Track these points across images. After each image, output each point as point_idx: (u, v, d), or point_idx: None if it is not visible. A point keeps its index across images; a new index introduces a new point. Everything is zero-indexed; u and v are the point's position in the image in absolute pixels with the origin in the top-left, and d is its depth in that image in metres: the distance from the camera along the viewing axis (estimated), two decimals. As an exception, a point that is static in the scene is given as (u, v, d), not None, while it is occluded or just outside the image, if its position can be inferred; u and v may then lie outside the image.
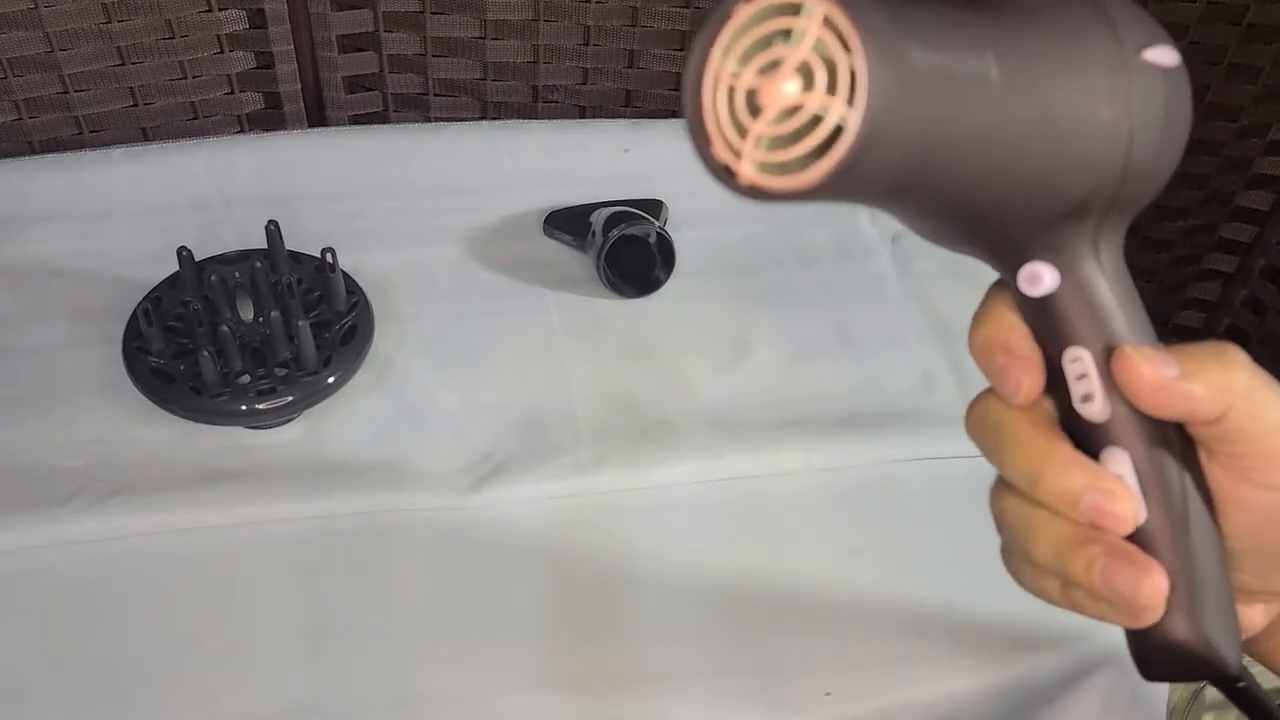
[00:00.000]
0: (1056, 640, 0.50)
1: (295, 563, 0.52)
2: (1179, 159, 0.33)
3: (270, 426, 0.57)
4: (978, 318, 0.34)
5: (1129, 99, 0.30)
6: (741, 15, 0.25)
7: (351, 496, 0.54)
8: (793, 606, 0.51)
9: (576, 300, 0.66)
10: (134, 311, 0.57)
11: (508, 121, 0.81)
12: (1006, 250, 0.33)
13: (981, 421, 0.34)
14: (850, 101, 0.24)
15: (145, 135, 0.78)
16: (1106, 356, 0.32)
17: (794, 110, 0.25)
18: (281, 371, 0.56)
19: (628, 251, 0.65)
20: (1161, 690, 0.54)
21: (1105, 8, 0.31)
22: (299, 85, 0.79)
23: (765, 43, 0.25)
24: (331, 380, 0.56)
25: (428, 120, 0.83)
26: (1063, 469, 0.31)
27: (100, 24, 0.73)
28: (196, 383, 0.54)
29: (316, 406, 0.57)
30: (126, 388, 0.56)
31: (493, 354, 0.62)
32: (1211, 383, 0.30)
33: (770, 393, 0.61)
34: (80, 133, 0.77)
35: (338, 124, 0.82)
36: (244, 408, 0.54)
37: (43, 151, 0.75)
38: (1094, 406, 0.32)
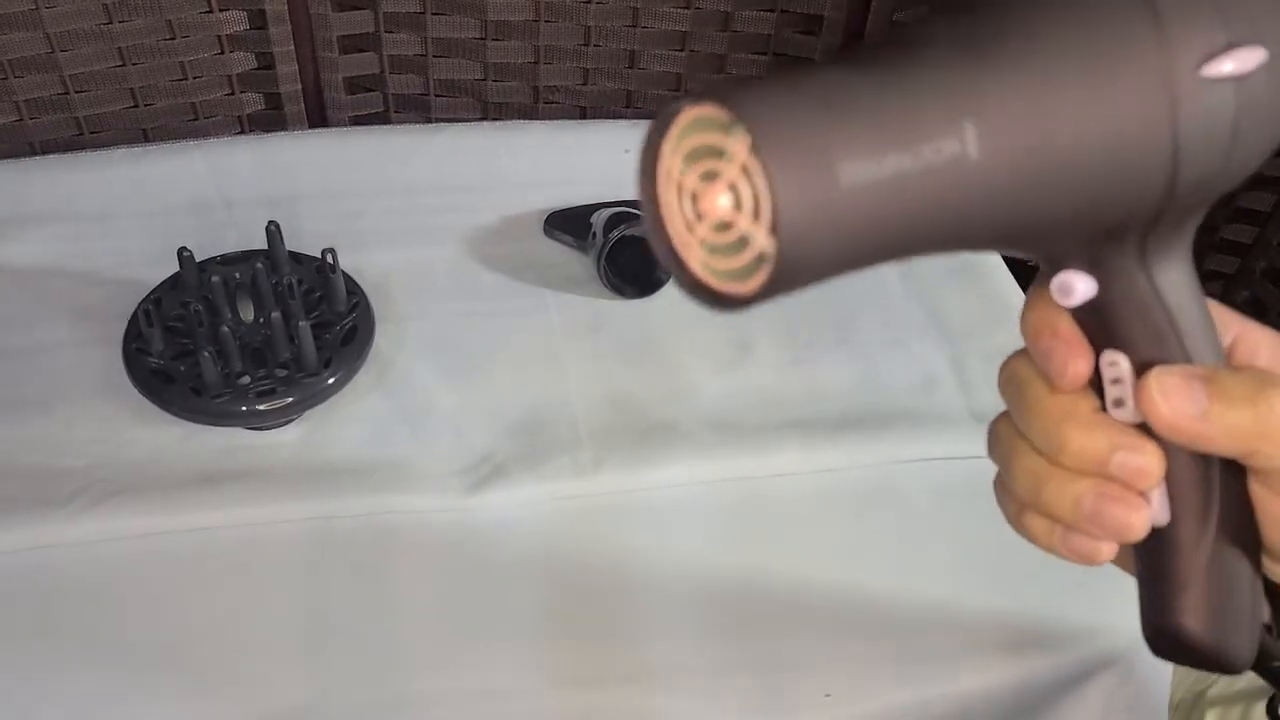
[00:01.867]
0: (1058, 641, 0.50)
1: (295, 563, 0.52)
2: (1265, 155, 0.30)
3: (271, 427, 0.57)
4: (1028, 301, 0.33)
5: (1173, 121, 0.28)
6: (685, 119, 0.25)
7: (352, 497, 0.54)
8: (793, 607, 0.51)
9: (577, 301, 0.66)
10: (135, 312, 0.57)
11: (508, 122, 0.81)
12: (1038, 257, 0.32)
13: (1012, 379, 0.33)
14: (771, 232, 0.24)
15: (146, 136, 0.78)
16: (1143, 367, 0.31)
17: (726, 228, 0.24)
18: (282, 372, 0.56)
19: (628, 252, 0.65)
20: (1163, 692, 0.54)
21: (1157, 6, 0.27)
22: (299, 86, 0.79)
23: (709, 149, 0.25)
24: (332, 381, 0.56)
25: (428, 121, 0.83)
26: (1088, 431, 0.31)
27: (101, 25, 0.73)
28: (197, 384, 0.54)
29: (317, 407, 0.57)
30: (127, 388, 0.56)
31: (493, 355, 0.62)
32: (1235, 426, 0.29)
33: (770, 393, 0.61)
34: (81, 134, 0.77)
35: (338, 125, 0.82)
36: (244, 409, 0.54)
37: (44, 152, 0.75)
38: (1125, 412, 0.31)
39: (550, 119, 0.83)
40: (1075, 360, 0.32)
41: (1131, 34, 0.26)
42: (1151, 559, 0.33)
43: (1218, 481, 0.32)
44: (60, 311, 0.62)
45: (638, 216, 0.66)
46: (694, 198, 0.25)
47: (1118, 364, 0.31)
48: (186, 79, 0.77)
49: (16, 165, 0.72)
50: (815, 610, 0.51)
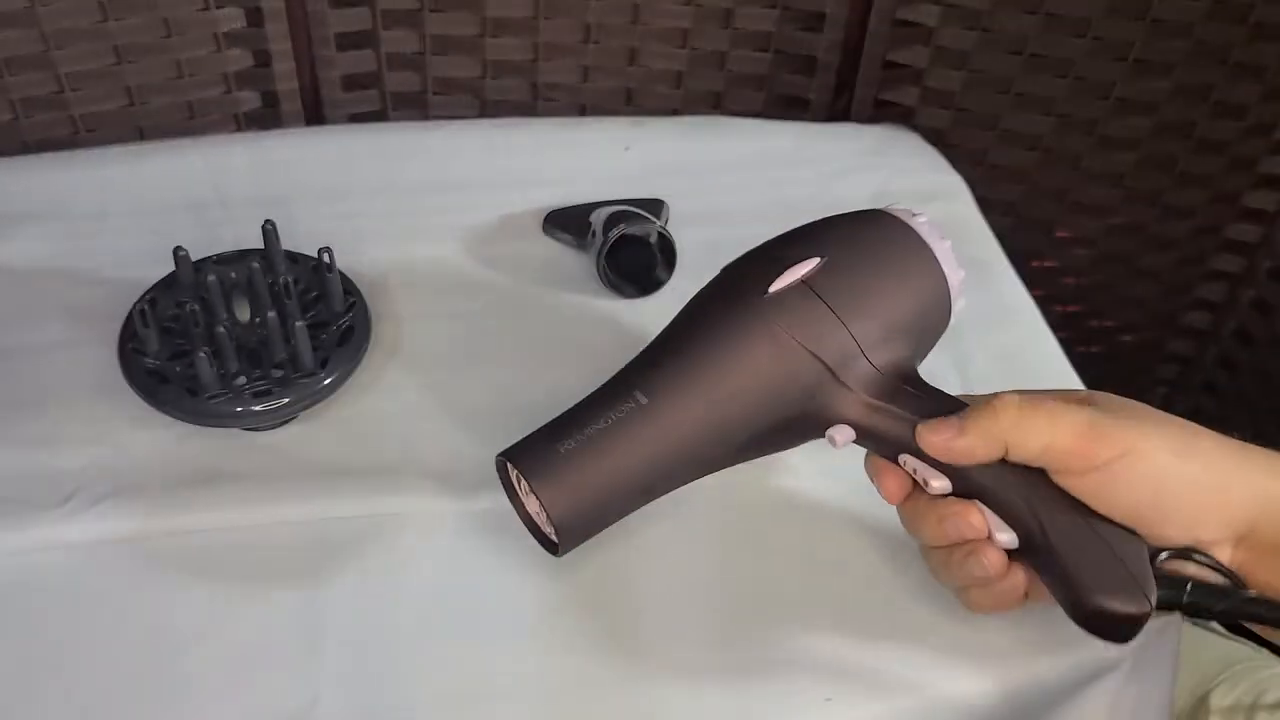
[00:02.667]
0: (1060, 644, 0.50)
1: (292, 565, 0.51)
2: (896, 302, 0.47)
3: (267, 428, 0.56)
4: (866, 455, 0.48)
5: (778, 332, 0.45)
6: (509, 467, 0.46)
7: (349, 498, 0.54)
8: (793, 611, 0.51)
9: (576, 300, 0.66)
10: (130, 312, 0.57)
11: (507, 120, 0.81)
12: (803, 438, 0.48)
13: (899, 515, 0.47)
14: (549, 517, 0.45)
15: (141, 134, 0.78)
16: (918, 454, 0.44)
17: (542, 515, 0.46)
18: (278, 373, 0.55)
19: (628, 251, 0.64)
20: (1166, 695, 0.54)
21: (725, 284, 0.49)
22: (296, 84, 0.79)
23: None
24: (329, 381, 0.56)
25: (426, 119, 0.83)
26: (926, 515, 0.45)
27: (96, 23, 0.72)
28: (193, 384, 0.54)
29: (314, 408, 0.56)
30: (122, 389, 0.55)
31: (491, 354, 0.62)
32: (983, 432, 0.42)
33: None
34: (76, 132, 0.76)
35: (335, 123, 0.82)
36: (240, 409, 0.54)
37: (38, 151, 0.74)
38: (935, 485, 0.44)
39: (549, 116, 0.83)
40: (888, 480, 0.46)
41: (727, 305, 0.47)
42: (1039, 571, 0.43)
43: (1040, 500, 0.42)
44: (55, 311, 0.62)
45: (638, 215, 0.65)
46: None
47: (907, 460, 0.45)
48: (182, 77, 0.76)
49: (11, 164, 0.72)
50: (816, 614, 0.51)
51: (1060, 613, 0.50)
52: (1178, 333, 1.00)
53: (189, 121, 0.79)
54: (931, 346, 0.50)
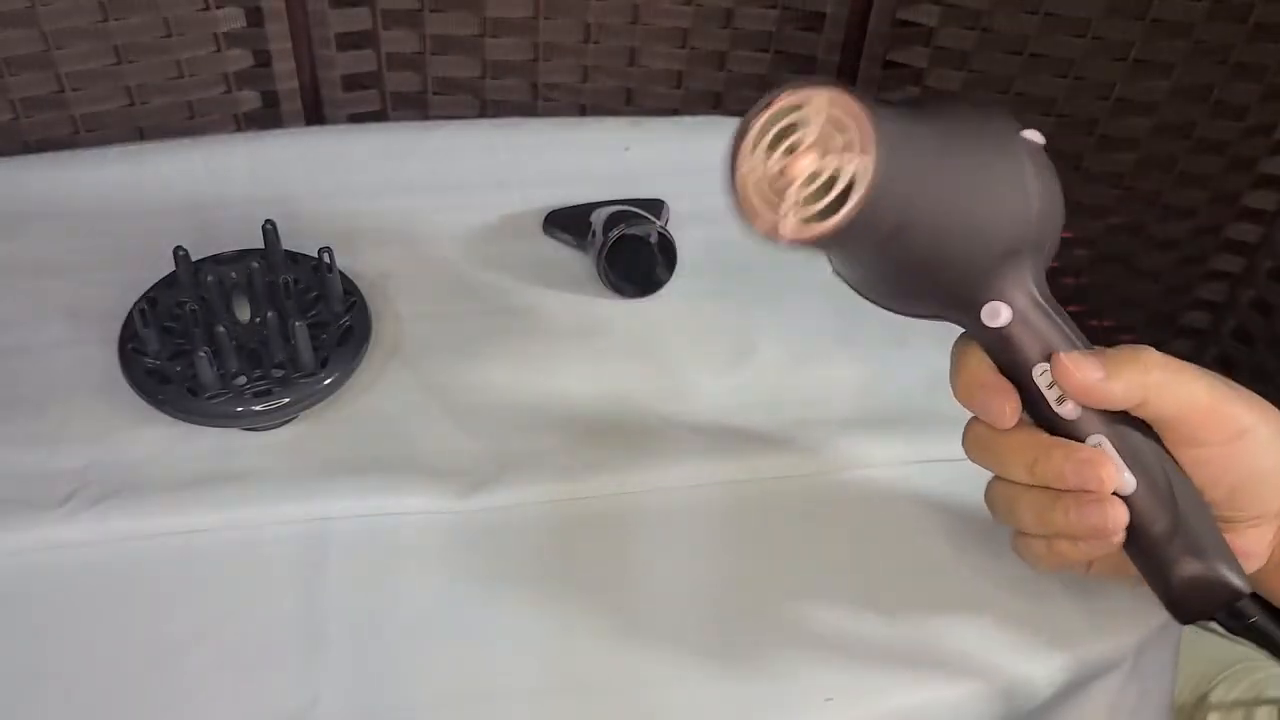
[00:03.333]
0: (1061, 644, 0.50)
1: (292, 566, 0.51)
2: (1063, 207, 0.44)
3: (267, 428, 0.56)
4: (953, 370, 0.45)
5: (1024, 167, 0.41)
6: (762, 117, 0.37)
7: (349, 498, 0.53)
8: (794, 611, 0.51)
9: (576, 300, 0.65)
10: (130, 312, 0.57)
11: (507, 120, 0.80)
12: (966, 298, 0.42)
13: (976, 443, 0.44)
14: (863, 151, 0.35)
15: (141, 134, 0.78)
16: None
17: (815, 177, 0.35)
18: (278, 373, 0.55)
19: (628, 251, 0.64)
20: (1166, 695, 0.54)
21: (990, 113, 0.42)
22: (296, 84, 0.79)
23: (779, 137, 0.37)
24: (329, 381, 0.56)
25: (426, 118, 0.83)
26: (1049, 453, 0.41)
27: (97, 22, 0.72)
28: (193, 384, 0.54)
29: (314, 408, 0.56)
30: (122, 389, 0.55)
31: (492, 355, 0.62)
32: (1128, 381, 0.40)
33: (773, 394, 0.60)
34: (76, 132, 0.76)
35: (335, 122, 0.82)
36: (240, 409, 0.54)
37: (38, 150, 0.74)
38: (1068, 406, 0.41)
39: (549, 116, 0.83)
40: (1010, 400, 0.42)
41: (994, 120, 0.42)
42: (1140, 533, 0.41)
43: (1160, 448, 0.41)
44: (55, 310, 0.62)
45: (638, 215, 0.65)
46: (780, 172, 0.36)
47: (1046, 371, 0.41)
48: (183, 77, 0.76)
49: (11, 164, 0.72)
50: (816, 615, 0.50)
51: (1062, 611, 0.50)
52: (1178, 333, 1.00)
53: (189, 121, 0.79)
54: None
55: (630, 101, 0.84)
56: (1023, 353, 0.42)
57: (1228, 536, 0.41)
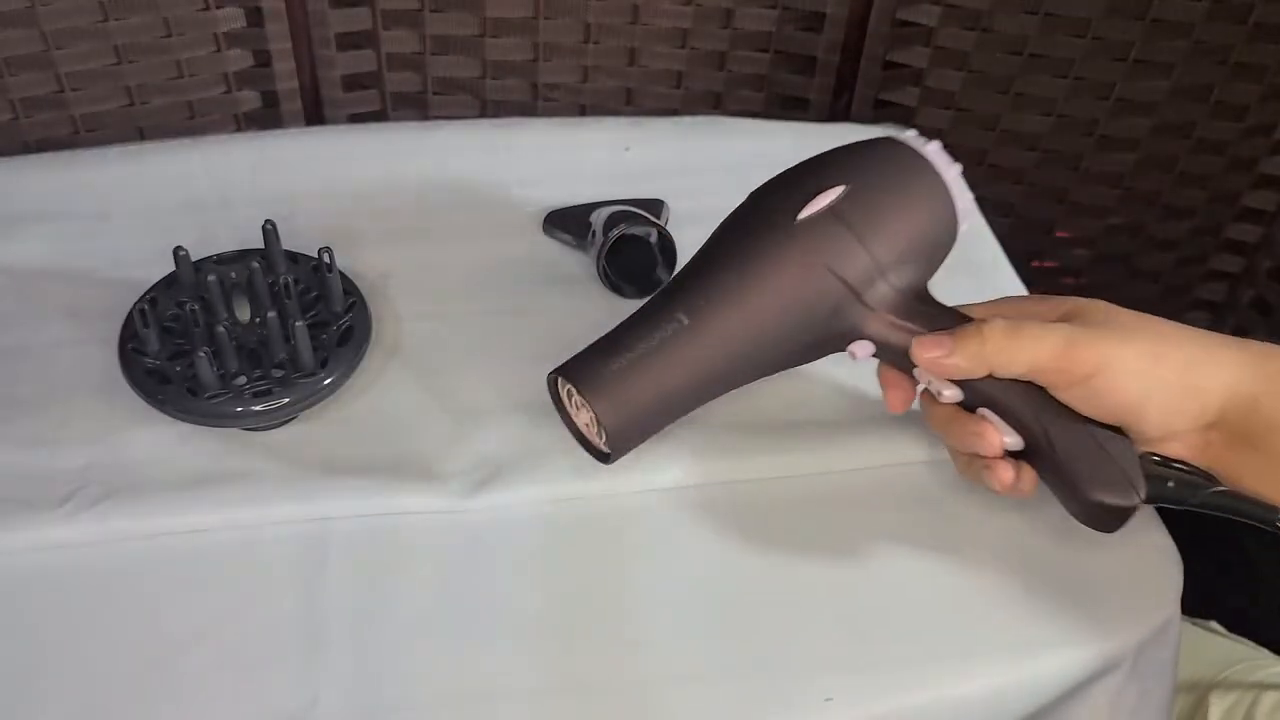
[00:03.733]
0: (1061, 644, 0.50)
1: (292, 566, 0.51)
2: (911, 227, 0.51)
3: (267, 428, 0.56)
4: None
5: (809, 257, 0.49)
6: (561, 391, 0.51)
7: (349, 499, 0.53)
8: (793, 611, 0.51)
9: (576, 300, 0.65)
10: (130, 312, 0.57)
11: (507, 120, 0.80)
12: (831, 350, 0.52)
13: (926, 419, 0.52)
14: (591, 406, 0.49)
15: (142, 134, 0.78)
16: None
17: (591, 420, 0.50)
18: (278, 373, 0.55)
19: (628, 251, 0.64)
20: (1166, 694, 0.54)
21: (764, 199, 0.53)
22: (296, 83, 0.79)
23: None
24: (329, 382, 0.56)
25: (426, 119, 0.83)
26: (948, 426, 0.50)
27: (97, 22, 0.72)
28: (193, 384, 0.54)
29: (314, 408, 0.56)
30: (122, 389, 0.55)
31: (491, 355, 0.62)
32: (970, 355, 0.47)
33: (772, 394, 0.60)
34: (76, 132, 0.76)
35: (335, 123, 0.82)
36: (240, 409, 0.54)
37: (38, 151, 0.74)
38: (948, 394, 0.49)
39: (549, 116, 0.83)
40: (895, 393, 0.52)
41: (762, 224, 0.51)
42: (1041, 472, 0.48)
43: (1031, 405, 0.47)
44: (55, 311, 0.62)
45: (638, 215, 0.65)
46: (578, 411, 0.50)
47: (919, 371, 0.49)
48: (183, 77, 0.76)
49: (11, 164, 0.72)
50: (816, 614, 0.51)
51: (1061, 611, 0.50)
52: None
53: (189, 121, 0.79)
54: (939, 266, 0.53)
55: (630, 101, 0.84)
56: (901, 361, 0.50)
57: (1161, 448, 0.47)
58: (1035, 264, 0.94)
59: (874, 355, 0.51)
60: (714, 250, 0.52)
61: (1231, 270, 0.94)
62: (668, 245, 0.65)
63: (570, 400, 0.50)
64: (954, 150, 0.82)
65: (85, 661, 0.47)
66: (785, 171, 0.54)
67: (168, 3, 0.73)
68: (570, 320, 0.64)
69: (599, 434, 0.49)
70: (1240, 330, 0.95)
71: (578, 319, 0.64)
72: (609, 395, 0.48)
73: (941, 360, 0.47)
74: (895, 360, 0.51)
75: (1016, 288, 0.68)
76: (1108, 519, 0.46)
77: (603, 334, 0.51)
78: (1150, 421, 0.46)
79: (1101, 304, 0.48)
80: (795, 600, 0.51)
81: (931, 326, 0.49)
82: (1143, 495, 0.46)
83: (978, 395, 0.48)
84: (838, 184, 0.50)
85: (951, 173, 0.52)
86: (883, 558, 0.53)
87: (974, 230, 0.74)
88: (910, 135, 0.53)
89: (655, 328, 0.49)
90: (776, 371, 0.52)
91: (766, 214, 0.51)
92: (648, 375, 0.48)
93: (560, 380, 0.50)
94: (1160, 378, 0.45)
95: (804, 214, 0.49)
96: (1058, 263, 0.95)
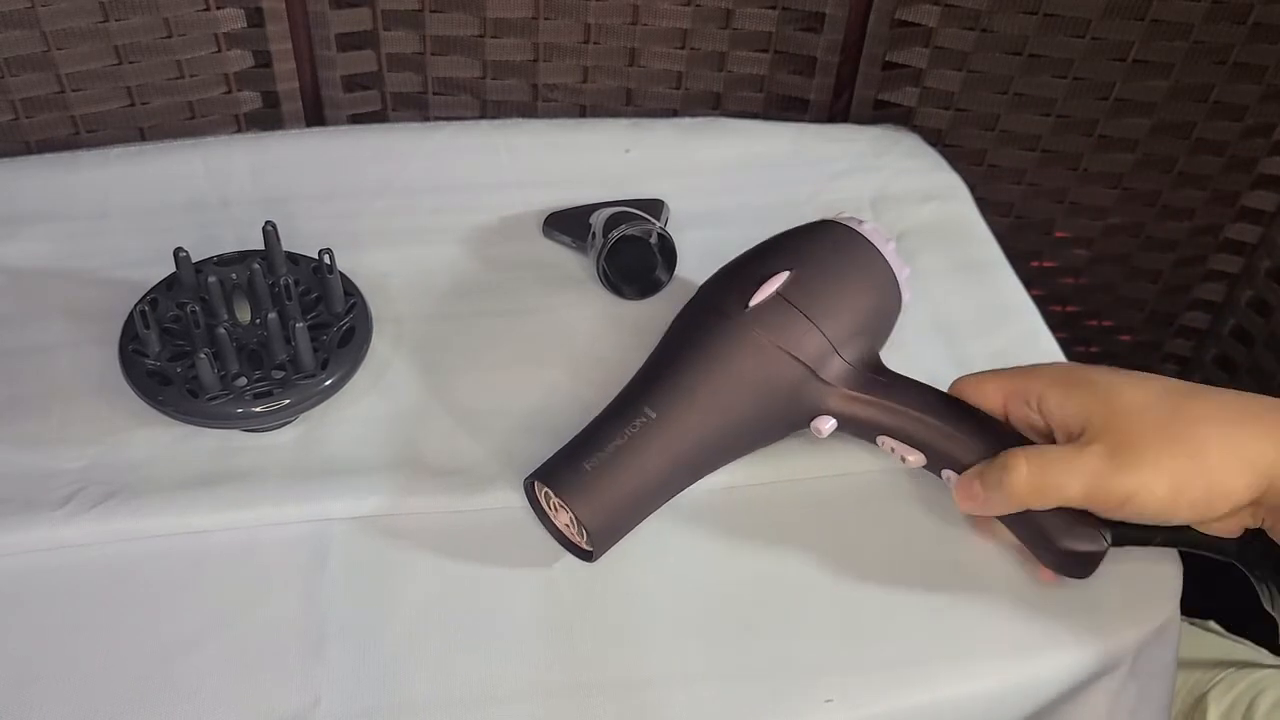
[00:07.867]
0: (1060, 644, 0.50)
1: (293, 567, 0.51)
2: (858, 302, 0.54)
3: (268, 429, 0.56)
4: None
5: (762, 342, 0.51)
6: (540, 496, 0.51)
7: (349, 499, 0.54)
8: (793, 612, 0.51)
9: (576, 301, 0.66)
10: (130, 313, 0.57)
11: (507, 120, 0.81)
12: (796, 426, 0.53)
13: None
14: (570, 509, 0.49)
15: (142, 135, 0.78)
16: (894, 433, 0.52)
17: (572, 520, 0.50)
18: (279, 374, 0.55)
19: (628, 252, 0.65)
20: (1166, 695, 0.54)
21: (711, 293, 0.55)
22: (297, 84, 0.79)
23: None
24: (329, 382, 0.56)
25: (426, 119, 0.83)
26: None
27: (97, 23, 0.72)
28: (193, 385, 0.54)
29: (314, 409, 0.56)
30: (123, 390, 0.55)
31: (492, 356, 0.62)
32: (1003, 501, 0.48)
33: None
34: (77, 133, 0.76)
35: (336, 123, 0.82)
36: (241, 410, 0.54)
37: (39, 151, 0.74)
38: (911, 459, 0.52)
39: (549, 117, 0.83)
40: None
41: (709, 319, 0.53)
42: (1010, 524, 0.50)
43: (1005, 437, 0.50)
44: (56, 311, 0.62)
45: (638, 217, 0.65)
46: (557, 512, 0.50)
47: (884, 440, 0.52)
48: (183, 77, 0.76)
49: (12, 164, 0.72)
50: (816, 615, 0.51)
51: (1060, 613, 0.50)
52: (1176, 333, 1.00)
53: (189, 122, 0.79)
54: (888, 336, 0.56)
55: (630, 102, 0.84)
56: (863, 431, 0.53)
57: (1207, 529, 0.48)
58: (1035, 264, 0.94)
59: (838, 429, 0.52)
60: (672, 343, 0.54)
61: (1231, 270, 0.94)
62: (668, 246, 0.65)
63: (549, 503, 0.50)
64: (954, 150, 0.83)
65: (85, 662, 0.47)
66: (730, 263, 0.56)
67: (168, 3, 0.73)
68: (570, 321, 0.64)
69: (580, 533, 0.50)
70: (1240, 330, 0.95)
71: (578, 320, 0.65)
72: (586, 495, 0.48)
73: (978, 508, 0.49)
74: (858, 432, 0.53)
75: (1016, 287, 0.68)
76: (1079, 566, 0.48)
77: (574, 435, 0.52)
78: (1181, 520, 0.47)
79: (1116, 403, 0.47)
80: (795, 602, 0.51)
81: (889, 397, 0.51)
82: (1109, 540, 0.48)
83: (940, 463, 0.51)
84: (783, 269, 0.52)
85: (889, 248, 0.55)
86: (882, 559, 0.53)
87: (974, 230, 0.74)
88: (846, 216, 0.56)
89: (624, 424, 0.50)
90: (747, 453, 0.54)
91: (718, 304, 0.53)
92: (623, 472, 0.49)
93: (537, 484, 0.50)
94: (1184, 500, 0.45)
95: (754, 300, 0.51)
96: (1057, 263, 0.95)
